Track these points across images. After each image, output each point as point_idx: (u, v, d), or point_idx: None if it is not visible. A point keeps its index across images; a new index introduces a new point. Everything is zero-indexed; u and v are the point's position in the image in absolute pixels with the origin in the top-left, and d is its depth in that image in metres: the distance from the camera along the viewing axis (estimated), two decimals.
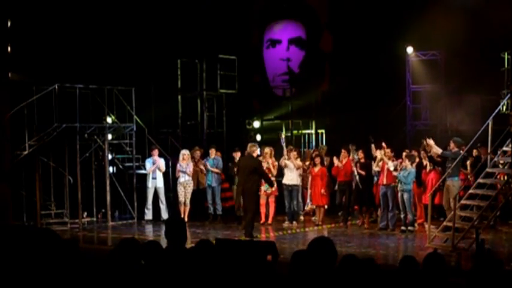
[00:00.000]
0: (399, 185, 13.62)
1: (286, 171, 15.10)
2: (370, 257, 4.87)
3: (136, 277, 4.83)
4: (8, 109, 14.67)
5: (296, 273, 4.64)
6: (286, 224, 15.00)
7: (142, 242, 5.27)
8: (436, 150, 13.52)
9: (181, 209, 15.72)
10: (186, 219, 15.42)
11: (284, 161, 15.08)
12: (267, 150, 15.54)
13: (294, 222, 15.10)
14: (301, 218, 15.63)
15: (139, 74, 18.13)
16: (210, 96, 19.38)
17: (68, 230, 15.11)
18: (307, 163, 15.74)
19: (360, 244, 12.51)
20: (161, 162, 16.20)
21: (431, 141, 13.56)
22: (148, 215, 16.17)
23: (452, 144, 13.53)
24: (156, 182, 16.07)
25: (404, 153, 15.06)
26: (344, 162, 14.70)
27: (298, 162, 15.22)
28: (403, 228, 13.64)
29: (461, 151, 13.22)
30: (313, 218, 15.48)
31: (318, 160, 15.04)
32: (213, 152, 16.16)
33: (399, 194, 13.70)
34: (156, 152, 16.19)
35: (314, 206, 15.36)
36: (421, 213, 14.32)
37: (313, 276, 4.56)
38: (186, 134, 19.26)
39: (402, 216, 13.69)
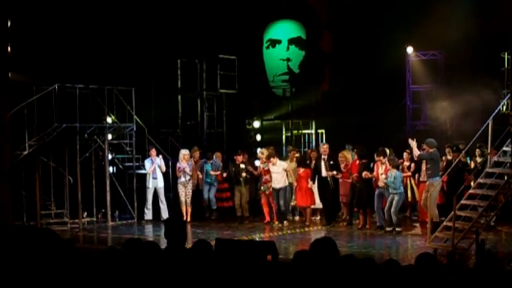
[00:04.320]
0: (390, 189, 13.55)
1: (272, 174, 15.09)
2: (369, 257, 4.86)
3: (135, 277, 4.83)
4: (8, 109, 14.66)
5: (297, 274, 4.65)
6: (276, 225, 15.04)
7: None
8: (415, 152, 13.51)
9: (183, 208, 15.71)
10: (188, 219, 15.46)
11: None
12: (264, 151, 15.63)
13: (285, 222, 15.09)
14: (290, 217, 15.67)
15: (139, 74, 18.13)
16: (210, 96, 19.39)
17: (68, 230, 15.11)
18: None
19: (360, 244, 12.52)
20: (161, 162, 16.21)
21: (413, 143, 13.50)
22: (148, 215, 16.17)
23: (424, 146, 13.49)
24: (156, 182, 16.07)
25: (405, 154, 15.07)
26: (351, 163, 14.67)
27: (284, 164, 15.22)
28: (388, 229, 13.56)
29: (437, 151, 13.42)
30: (313, 218, 15.46)
31: (302, 163, 15.15)
32: (218, 156, 16.35)
33: (390, 197, 13.59)
34: (154, 151, 16.15)
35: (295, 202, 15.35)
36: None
37: (314, 277, 4.56)
38: (186, 134, 19.26)
39: (387, 217, 13.63)
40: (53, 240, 5.03)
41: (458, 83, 17.72)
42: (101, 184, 16.28)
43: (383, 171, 13.73)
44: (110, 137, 16.41)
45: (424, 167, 14.02)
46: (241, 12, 20.83)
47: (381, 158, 13.87)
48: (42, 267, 4.78)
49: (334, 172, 14.69)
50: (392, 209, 13.49)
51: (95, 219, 16.38)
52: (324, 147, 15.17)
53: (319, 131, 20.07)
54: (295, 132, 20.10)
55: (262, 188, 15.37)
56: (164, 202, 16.09)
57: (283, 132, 20.10)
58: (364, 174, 14.02)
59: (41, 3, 16.83)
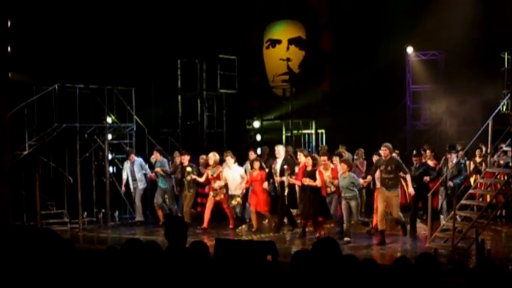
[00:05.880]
0: (345, 192, 12.20)
1: (228, 181, 13.93)
2: (370, 258, 4.87)
3: (135, 278, 4.84)
4: (8, 109, 14.66)
5: (297, 273, 4.65)
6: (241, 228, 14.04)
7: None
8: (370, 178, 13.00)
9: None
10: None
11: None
12: (214, 155, 14.33)
13: (243, 226, 14.01)
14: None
15: (139, 74, 18.13)
16: (210, 96, 19.41)
17: (68, 230, 15.09)
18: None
19: (359, 244, 12.50)
20: (140, 167, 15.63)
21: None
22: (137, 216, 15.66)
23: (387, 151, 12.94)
24: (136, 183, 15.57)
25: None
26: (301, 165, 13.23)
27: (241, 170, 14.09)
28: (346, 239, 12.16)
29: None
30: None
31: (256, 164, 13.81)
32: (157, 156, 15.33)
33: (344, 202, 12.27)
34: (132, 156, 15.63)
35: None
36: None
37: (315, 277, 4.56)
38: (186, 134, 19.27)
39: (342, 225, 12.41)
40: (53, 240, 5.03)
41: (458, 83, 17.73)
42: (101, 184, 16.28)
43: (330, 175, 12.43)
44: (110, 137, 16.40)
45: (382, 174, 12.38)
46: (241, 12, 20.85)
47: (325, 158, 12.56)
48: (42, 267, 4.78)
49: (283, 178, 13.27)
50: (355, 217, 12.24)
51: (94, 219, 16.36)
52: (277, 150, 13.92)
53: (319, 131, 20.10)
54: (295, 132, 20.12)
55: (212, 193, 14.16)
56: (138, 204, 15.61)
57: (283, 132, 20.11)
58: (303, 180, 12.67)
59: (41, 3, 16.82)
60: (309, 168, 12.75)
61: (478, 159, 14.63)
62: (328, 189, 12.51)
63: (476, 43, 17.01)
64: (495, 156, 12.68)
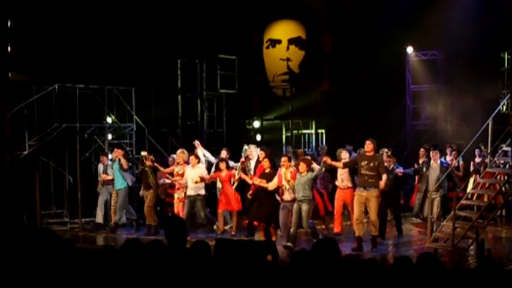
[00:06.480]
0: (297, 192, 11.53)
1: (187, 178, 13.39)
2: (372, 258, 4.87)
3: (135, 277, 4.84)
4: (8, 109, 14.66)
5: (297, 274, 4.65)
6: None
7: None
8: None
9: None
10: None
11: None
12: (182, 153, 13.87)
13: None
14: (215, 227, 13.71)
15: (139, 74, 18.13)
16: (210, 96, 19.40)
17: (68, 230, 15.09)
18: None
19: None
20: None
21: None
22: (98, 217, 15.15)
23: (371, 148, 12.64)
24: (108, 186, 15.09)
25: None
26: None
27: (203, 171, 13.56)
28: (289, 244, 11.20)
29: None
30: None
31: (223, 165, 13.36)
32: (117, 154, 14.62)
33: (295, 205, 11.51)
34: (105, 159, 15.21)
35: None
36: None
37: (315, 277, 4.56)
38: (186, 134, 19.26)
39: (292, 230, 11.48)
40: (53, 240, 5.03)
41: (458, 83, 17.75)
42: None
43: (290, 178, 11.74)
44: (110, 137, 16.39)
45: (361, 170, 11.43)
46: (241, 12, 20.84)
47: (285, 159, 11.98)
48: (42, 267, 4.78)
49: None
50: (305, 223, 11.50)
51: (95, 219, 16.34)
52: (249, 151, 13.55)
53: (319, 131, 20.11)
54: (295, 132, 20.12)
55: (176, 194, 13.76)
56: (116, 209, 14.94)
57: (283, 132, 20.12)
58: (253, 178, 12.21)
59: (41, 3, 16.82)
60: (267, 170, 12.22)
61: (477, 159, 14.63)
62: (285, 195, 11.80)
63: (476, 43, 17.02)
64: (495, 157, 12.67)
